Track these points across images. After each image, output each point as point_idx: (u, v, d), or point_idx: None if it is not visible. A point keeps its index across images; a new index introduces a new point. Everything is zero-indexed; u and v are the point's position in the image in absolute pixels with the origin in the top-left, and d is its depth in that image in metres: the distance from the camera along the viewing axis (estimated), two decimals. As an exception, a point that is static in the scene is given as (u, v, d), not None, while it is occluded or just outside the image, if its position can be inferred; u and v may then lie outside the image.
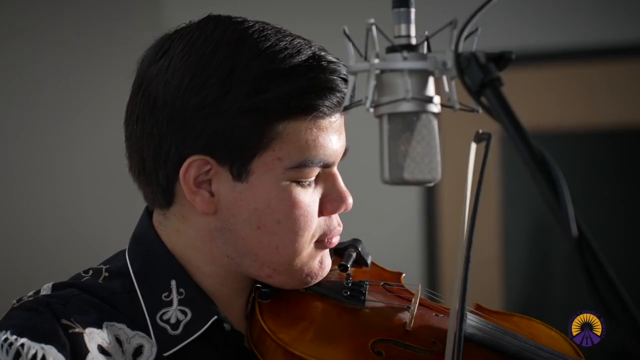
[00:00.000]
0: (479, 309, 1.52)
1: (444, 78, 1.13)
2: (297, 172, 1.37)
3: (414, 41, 1.15)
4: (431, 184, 1.15)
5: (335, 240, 1.44)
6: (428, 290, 1.57)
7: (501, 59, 1.09)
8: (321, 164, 1.38)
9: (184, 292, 1.40)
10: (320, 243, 1.42)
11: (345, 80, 1.37)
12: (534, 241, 3.38)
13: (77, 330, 1.33)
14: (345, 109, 1.17)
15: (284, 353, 1.36)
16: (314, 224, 1.40)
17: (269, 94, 1.34)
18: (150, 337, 1.38)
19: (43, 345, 1.30)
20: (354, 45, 1.16)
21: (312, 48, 1.38)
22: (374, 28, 1.14)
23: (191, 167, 1.36)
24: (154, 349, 1.37)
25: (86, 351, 1.33)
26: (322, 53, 1.38)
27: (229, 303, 1.43)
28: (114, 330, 1.36)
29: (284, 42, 1.36)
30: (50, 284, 1.42)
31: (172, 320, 1.38)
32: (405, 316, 1.46)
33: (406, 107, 1.12)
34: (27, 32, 3.57)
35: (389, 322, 1.45)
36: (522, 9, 3.34)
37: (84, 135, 3.59)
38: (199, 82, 1.35)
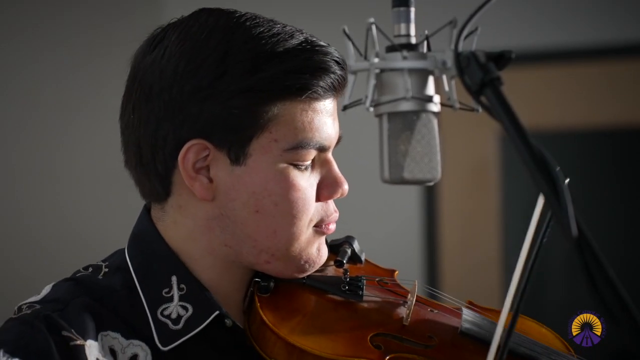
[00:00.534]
0: (471, 305, 1.54)
1: (444, 77, 1.13)
2: (293, 154, 1.38)
3: (413, 40, 1.15)
4: (431, 183, 1.15)
5: (332, 227, 1.46)
6: (427, 286, 1.58)
7: (501, 58, 1.09)
8: (317, 146, 1.40)
9: (185, 287, 1.41)
10: (317, 228, 1.43)
11: (337, 63, 1.39)
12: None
13: (78, 342, 1.33)
14: (345, 108, 1.17)
15: (285, 345, 1.37)
16: (312, 208, 1.41)
17: (263, 74, 1.36)
18: (152, 335, 1.38)
19: None
20: (354, 44, 1.16)
21: (304, 34, 1.40)
22: (373, 27, 1.14)
23: (189, 152, 1.37)
24: (149, 358, 1.37)
25: None
26: (314, 39, 1.40)
27: (227, 297, 1.43)
28: (108, 341, 1.36)
29: (277, 28, 1.39)
30: (50, 285, 1.42)
31: (173, 316, 1.39)
32: (402, 311, 1.47)
33: (406, 106, 1.12)
34: (27, 32, 3.57)
35: (386, 317, 1.46)
36: (522, 8, 3.34)
37: (84, 135, 3.59)
38: (195, 67, 1.36)
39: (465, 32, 1.10)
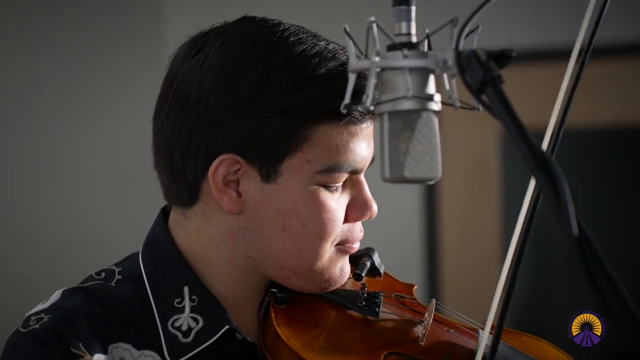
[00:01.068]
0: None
1: (445, 76, 1.13)
2: (325, 177, 1.36)
3: (414, 39, 1.14)
4: (431, 182, 1.15)
5: (356, 246, 1.44)
6: (438, 303, 1.56)
7: (502, 57, 1.09)
8: (350, 169, 1.38)
9: (196, 299, 1.39)
10: (341, 247, 1.41)
11: None
12: (535, 241, 3.38)
13: (85, 358, 1.32)
14: (345, 107, 1.17)
15: (297, 359, 1.36)
16: (339, 229, 1.39)
17: (304, 94, 1.34)
18: (161, 348, 1.36)
19: None
20: (354, 43, 1.16)
21: (347, 54, 1.37)
22: (374, 26, 1.14)
23: (221, 166, 1.35)
24: None
25: None
26: None
27: (242, 306, 1.42)
28: (119, 353, 1.35)
29: (320, 46, 1.36)
30: (60, 291, 1.40)
31: (184, 328, 1.37)
32: (418, 330, 1.45)
33: (407, 105, 1.11)
34: (27, 32, 3.58)
35: (402, 336, 1.44)
36: (523, 7, 3.34)
37: (84, 135, 3.60)
38: (234, 81, 1.34)
39: (466, 31, 1.10)
